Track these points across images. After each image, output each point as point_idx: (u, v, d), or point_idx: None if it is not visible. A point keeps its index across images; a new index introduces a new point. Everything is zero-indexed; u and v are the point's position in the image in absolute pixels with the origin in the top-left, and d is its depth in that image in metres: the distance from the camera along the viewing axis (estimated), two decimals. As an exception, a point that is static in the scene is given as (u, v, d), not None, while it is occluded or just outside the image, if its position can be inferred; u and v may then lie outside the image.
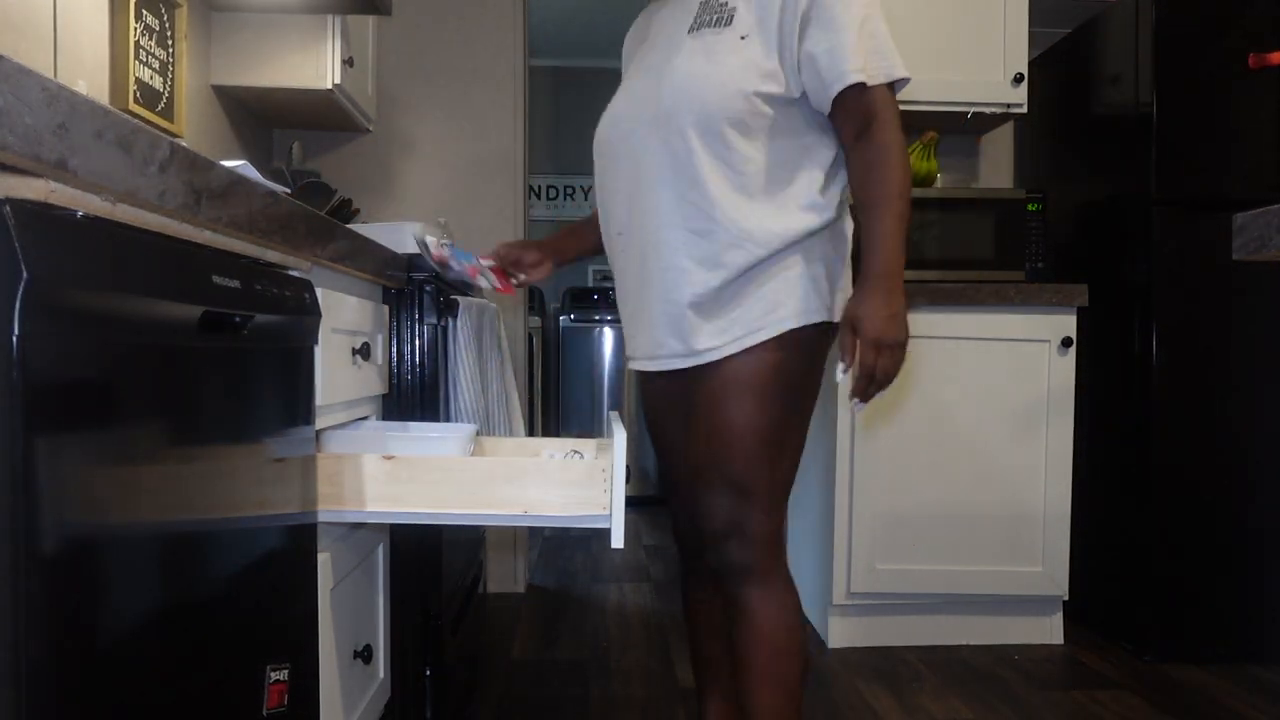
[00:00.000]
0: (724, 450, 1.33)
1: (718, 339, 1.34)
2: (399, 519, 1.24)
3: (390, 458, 1.22)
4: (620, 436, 1.24)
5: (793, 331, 1.33)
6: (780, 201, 1.34)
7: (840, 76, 1.28)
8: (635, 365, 1.48)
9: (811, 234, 1.35)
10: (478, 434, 1.65)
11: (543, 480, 1.23)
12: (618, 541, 1.21)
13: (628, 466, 1.24)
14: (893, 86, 1.33)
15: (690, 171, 1.32)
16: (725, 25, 1.33)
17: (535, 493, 1.22)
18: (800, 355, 1.35)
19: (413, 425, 1.51)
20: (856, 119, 1.31)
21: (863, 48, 1.29)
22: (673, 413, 1.51)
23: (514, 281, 1.70)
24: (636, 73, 1.44)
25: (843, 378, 1.28)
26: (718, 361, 1.34)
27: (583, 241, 1.70)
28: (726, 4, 1.34)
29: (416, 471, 1.22)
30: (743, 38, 1.32)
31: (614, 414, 1.38)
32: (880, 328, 1.24)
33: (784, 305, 1.33)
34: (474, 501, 1.23)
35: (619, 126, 1.41)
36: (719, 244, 1.32)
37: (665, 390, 1.50)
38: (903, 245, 1.28)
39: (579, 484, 1.23)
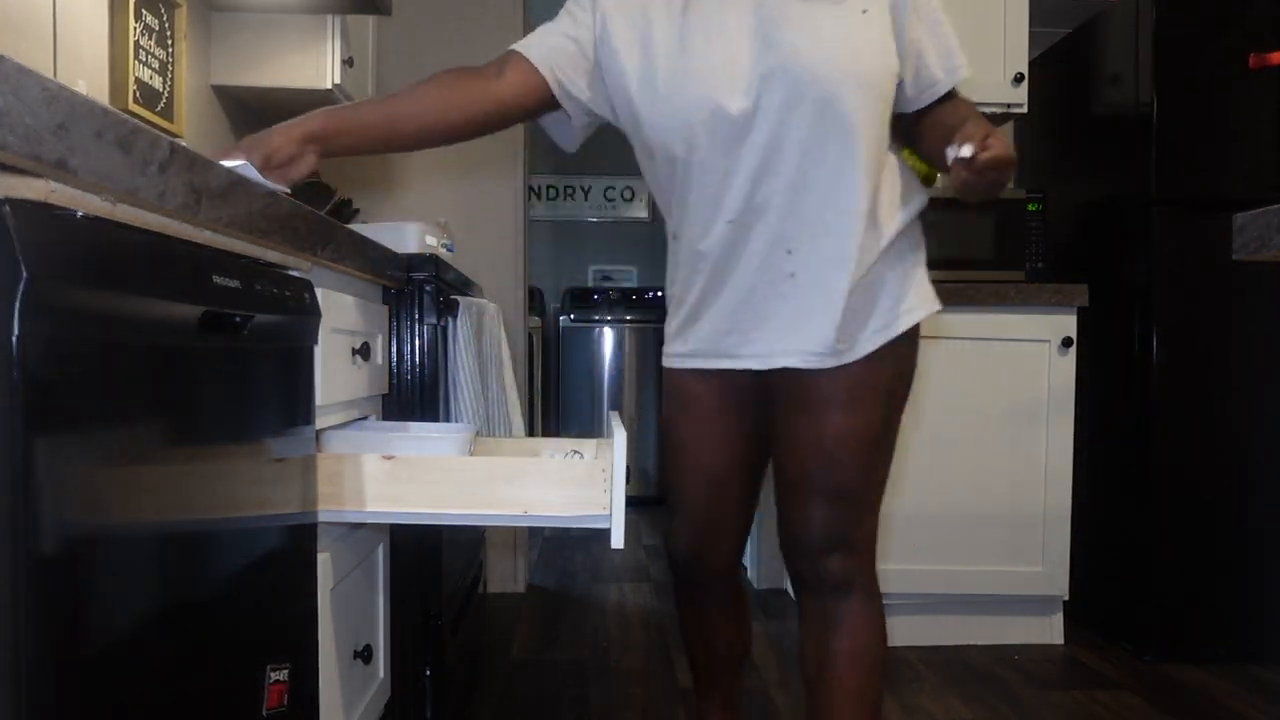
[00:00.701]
0: (838, 457, 1.26)
1: (866, 333, 1.27)
2: (399, 519, 1.24)
3: (390, 458, 1.22)
4: (620, 436, 1.24)
5: (914, 326, 1.31)
6: (893, 184, 1.33)
7: (955, 70, 1.30)
8: (742, 364, 1.31)
9: (916, 220, 1.36)
10: (477, 434, 1.65)
11: (543, 480, 1.22)
12: (618, 542, 1.20)
13: (628, 467, 1.24)
14: None
15: (851, 149, 1.23)
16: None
17: (535, 493, 1.22)
18: (915, 351, 1.34)
19: (412, 425, 1.51)
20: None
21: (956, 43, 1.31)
22: (726, 415, 1.37)
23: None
24: (711, 41, 1.24)
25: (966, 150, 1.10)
26: (845, 365, 1.26)
27: (369, 135, 1.30)
28: None
29: (416, 471, 1.22)
30: (864, 11, 1.24)
31: (614, 414, 1.36)
32: (1007, 144, 1.12)
33: (908, 297, 1.30)
34: (474, 502, 1.22)
35: (730, 105, 1.22)
36: (878, 228, 1.28)
37: (720, 390, 1.36)
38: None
39: (579, 484, 1.22)
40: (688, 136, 1.26)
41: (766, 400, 1.35)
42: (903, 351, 1.30)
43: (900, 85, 1.30)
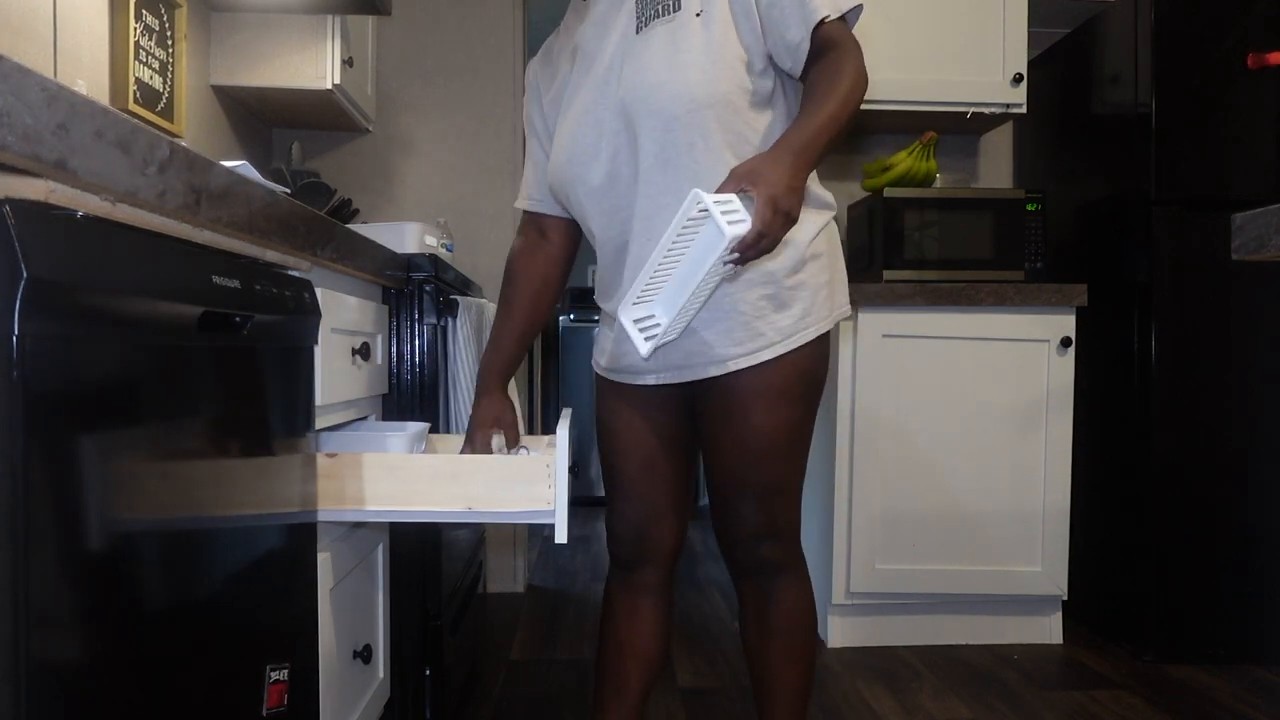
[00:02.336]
0: (761, 455, 1.33)
1: (747, 346, 1.30)
2: (338, 517, 1.23)
3: (332, 455, 1.22)
4: (564, 433, 1.25)
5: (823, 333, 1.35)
6: None
7: (810, 14, 1.22)
8: (649, 380, 1.38)
9: (825, 227, 1.35)
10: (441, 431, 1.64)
11: (486, 477, 1.22)
12: (561, 537, 1.23)
13: (574, 463, 1.24)
14: (845, 18, 1.27)
15: (692, 170, 1.26)
16: (675, 10, 1.26)
17: (479, 489, 1.22)
18: (824, 354, 1.37)
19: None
20: (816, 51, 1.25)
21: None
22: (650, 408, 1.42)
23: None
24: (582, 93, 1.34)
25: (729, 230, 1.08)
26: (748, 369, 1.31)
27: (517, 347, 1.51)
28: None
29: (359, 469, 1.22)
30: (698, 14, 1.25)
31: (566, 410, 1.37)
32: (782, 189, 1.11)
33: (815, 310, 1.32)
34: (417, 498, 1.22)
35: (598, 153, 1.32)
36: None
37: (646, 397, 1.43)
38: (826, 142, 1.18)
39: (523, 480, 1.23)
40: (574, 193, 1.37)
41: (690, 398, 1.42)
42: (813, 353, 1.34)
43: (777, 61, 1.28)
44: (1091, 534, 2.68)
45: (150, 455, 0.74)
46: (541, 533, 3.95)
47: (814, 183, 1.35)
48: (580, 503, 4.76)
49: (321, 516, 1.22)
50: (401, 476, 1.22)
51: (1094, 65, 2.72)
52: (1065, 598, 2.56)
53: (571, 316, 4.86)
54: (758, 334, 1.30)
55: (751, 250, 1.11)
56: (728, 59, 1.25)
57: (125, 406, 0.71)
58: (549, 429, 4.83)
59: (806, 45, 1.24)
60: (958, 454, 2.50)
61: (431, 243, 1.86)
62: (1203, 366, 2.44)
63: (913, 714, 2.08)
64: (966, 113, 2.76)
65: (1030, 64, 2.81)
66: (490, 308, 1.95)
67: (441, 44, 2.98)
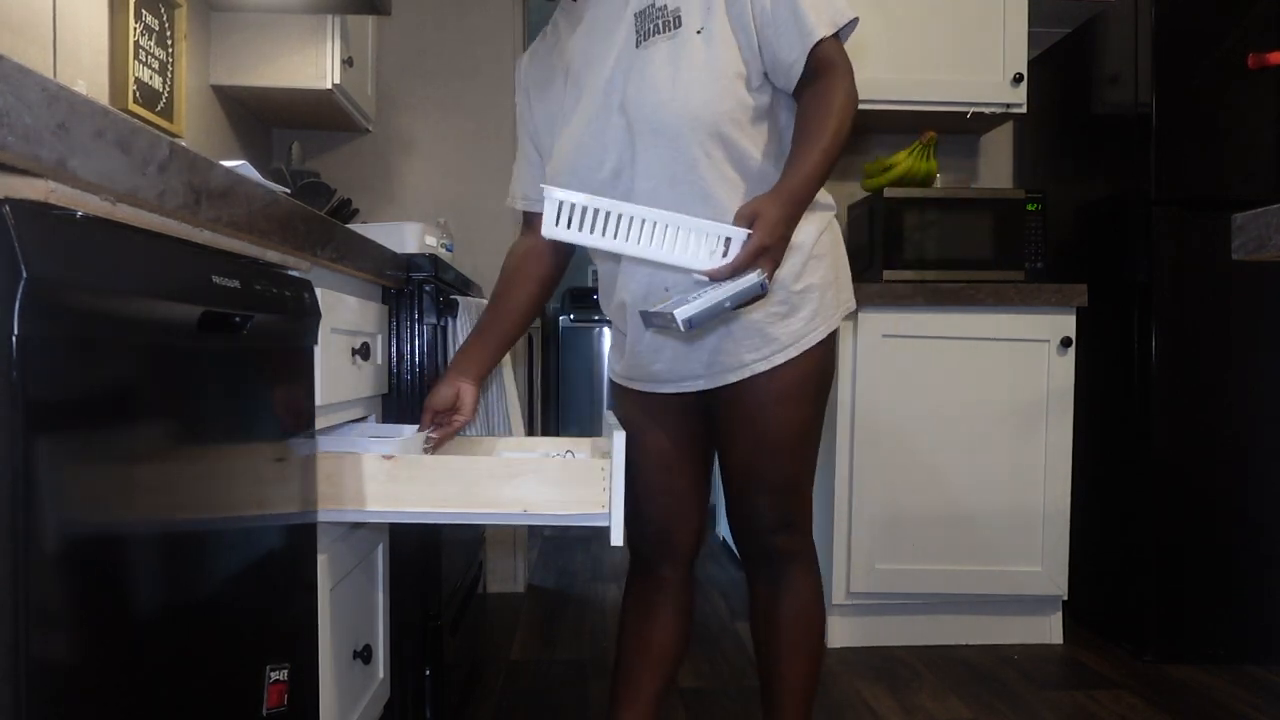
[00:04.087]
0: (776, 452, 1.37)
1: (763, 351, 1.34)
2: (398, 518, 1.24)
3: (390, 457, 1.23)
4: (620, 436, 1.25)
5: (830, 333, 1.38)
6: None
7: (808, 34, 1.24)
8: (668, 389, 1.41)
9: (826, 227, 1.37)
10: (480, 435, 1.65)
11: (542, 479, 1.23)
12: (617, 540, 1.24)
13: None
14: (839, 34, 1.28)
15: (698, 186, 1.28)
16: (676, 27, 1.27)
17: (534, 492, 1.23)
18: (833, 350, 1.41)
19: (406, 428, 1.51)
20: (810, 70, 1.27)
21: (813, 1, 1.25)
22: (667, 412, 1.45)
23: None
24: (583, 105, 1.35)
25: (711, 258, 1.16)
26: (763, 373, 1.34)
27: (501, 342, 1.50)
28: (665, 7, 1.28)
29: (416, 471, 1.23)
30: (699, 32, 1.26)
31: (610, 412, 1.38)
32: (775, 239, 1.17)
33: (822, 310, 1.36)
34: (474, 501, 1.23)
35: (601, 166, 1.32)
36: None
37: (663, 403, 1.45)
38: (820, 178, 1.23)
39: (578, 483, 1.23)
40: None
41: (706, 404, 1.44)
42: (823, 352, 1.38)
43: (771, 78, 1.29)
44: (1091, 534, 2.68)
45: (150, 455, 0.74)
46: (541, 533, 3.95)
47: None
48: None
49: (380, 518, 1.24)
50: (459, 479, 1.23)
51: (1094, 65, 2.72)
52: (1065, 598, 2.56)
53: (571, 317, 4.86)
54: (771, 339, 1.34)
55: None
56: (729, 76, 1.27)
57: (125, 406, 0.71)
58: (549, 430, 4.83)
59: (801, 65, 1.27)
60: (958, 454, 2.50)
61: (431, 243, 1.86)
62: (1203, 366, 2.44)
63: (913, 714, 2.08)
64: (966, 113, 2.76)
65: (1030, 64, 2.81)
66: (490, 308, 1.95)
67: (441, 44, 2.98)
